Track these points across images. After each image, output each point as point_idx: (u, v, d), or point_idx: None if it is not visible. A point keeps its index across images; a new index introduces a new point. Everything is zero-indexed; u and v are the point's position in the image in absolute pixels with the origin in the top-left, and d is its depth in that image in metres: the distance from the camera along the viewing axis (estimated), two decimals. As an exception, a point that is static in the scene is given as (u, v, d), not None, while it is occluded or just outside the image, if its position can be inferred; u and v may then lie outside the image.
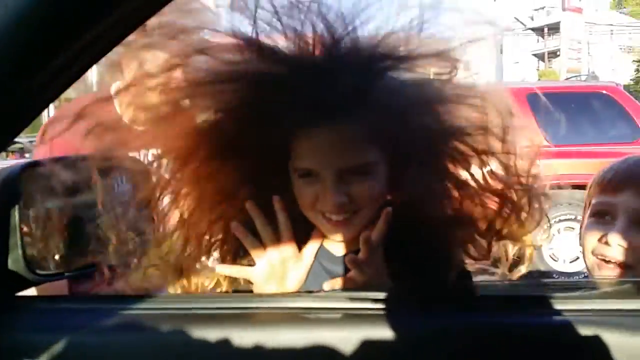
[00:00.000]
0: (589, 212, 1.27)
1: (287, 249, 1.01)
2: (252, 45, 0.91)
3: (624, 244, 1.14)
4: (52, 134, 1.35)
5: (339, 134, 0.94)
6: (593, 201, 1.26)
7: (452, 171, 1.03)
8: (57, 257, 0.95)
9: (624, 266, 1.14)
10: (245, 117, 0.96)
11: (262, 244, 1.00)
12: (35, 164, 0.98)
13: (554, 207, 5.22)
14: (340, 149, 0.95)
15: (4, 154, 6.18)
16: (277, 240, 1.01)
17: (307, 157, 0.96)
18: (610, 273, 1.16)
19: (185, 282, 1.03)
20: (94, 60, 0.72)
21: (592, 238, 1.21)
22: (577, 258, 5.13)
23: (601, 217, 1.22)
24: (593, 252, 1.20)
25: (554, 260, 5.31)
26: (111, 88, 1.50)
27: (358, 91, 0.93)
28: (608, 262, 1.16)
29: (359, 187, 0.95)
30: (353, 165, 0.95)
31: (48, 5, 0.59)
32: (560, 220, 5.25)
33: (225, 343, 0.75)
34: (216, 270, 1.03)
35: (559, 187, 5.03)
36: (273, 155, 0.99)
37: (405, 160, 0.98)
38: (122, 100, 1.37)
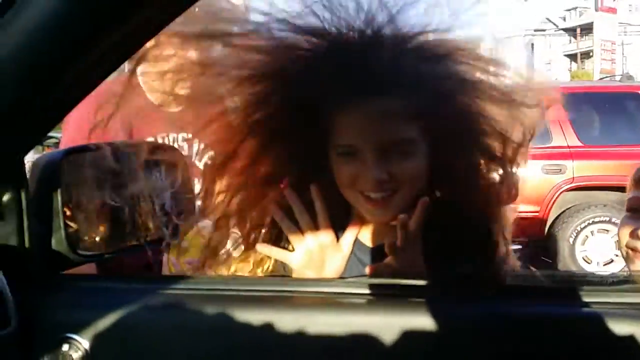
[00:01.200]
0: (625, 208, 1.27)
1: (325, 237, 1.01)
2: (290, 25, 0.93)
3: None
4: (79, 123, 1.38)
5: (379, 109, 0.93)
6: (628, 197, 1.26)
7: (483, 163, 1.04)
8: (97, 238, 0.97)
9: None
10: (285, 99, 0.97)
11: (300, 231, 1.01)
12: (76, 150, 1.00)
13: (587, 209, 5.13)
14: (381, 123, 0.95)
15: (39, 147, 6.33)
16: (315, 227, 1.01)
17: (347, 133, 0.96)
18: None
19: (226, 266, 1.05)
20: (123, 58, 0.75)
21: (625, 231, 1.23)
22: (612, 261, 5.03)
23: (635, 211, 1.23)
24: (626, 245, 1.21)
25: (587, 262, 5.21)
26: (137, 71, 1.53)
27: (396, 67, 0.93)
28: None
29: (399, 164, 0.95)
30: (393, 141, 0.95)
31: (77, 5, 0.62)
32: (594, 222, 5.15)
33: (263, 325, 0.76)
34: (257, 249, 1.03)
35: (594, 188, 4.96)
36: (312, 137, 0.99)
37: (446, 144, 0.98)
38: (150, 84, 1.40)
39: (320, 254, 1.01)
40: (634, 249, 1.19)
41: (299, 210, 1.01)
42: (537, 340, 0.73)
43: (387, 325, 0.75)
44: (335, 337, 0.75)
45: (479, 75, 1.00)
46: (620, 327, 0.71)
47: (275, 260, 1.06)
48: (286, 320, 0.76)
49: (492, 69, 1.00)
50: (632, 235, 1.19)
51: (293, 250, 1.02)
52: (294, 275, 1.02)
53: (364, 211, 1.00)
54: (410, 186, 0.98)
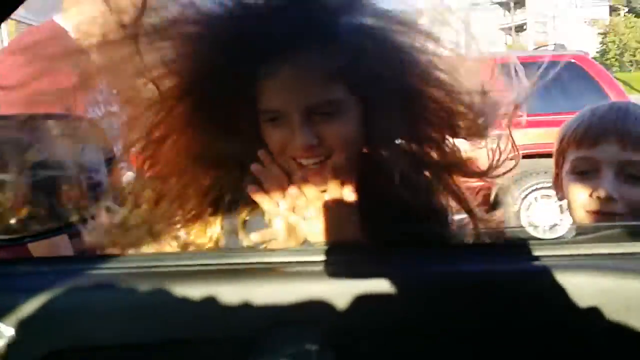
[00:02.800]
0: (567, 168, 1.25)
1: (298, 198, 0.95)
2: None
3: (616, 195, 1.14)
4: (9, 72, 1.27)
5: (302, 71, 0.89)
6: (571, 157, 1.25)
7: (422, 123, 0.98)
8: (13, 221, 0.89)
9: (618, 217, 1.15)
10: (207, 65, 0.91)
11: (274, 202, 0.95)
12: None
13: (530, 176, 5.27)
14: (305, 85, 0.90)
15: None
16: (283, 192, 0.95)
17: (272, 97, 0.91)
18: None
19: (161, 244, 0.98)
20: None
21: (581, 194, 1.20)
22: (555, 225, 5.20)
23: (583, 172, 1.21)
24: (585, 209, 1.19)
25: (533, 227, 5.39)
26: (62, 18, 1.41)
27: (316, 27, 0.89)
28: (603, 214, 1.16)
29: (328, 127, 0.90)
30: (319, 102, 0.90)
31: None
32: (537, 189, 5.31)
33: (201, 299, 0.71)
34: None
35: (535, 156, 5.11)
36: (242, 107, 0.93)
37: (376, 105, 0.93)
38: (80, 32, 1.34)
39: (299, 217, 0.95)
40: (595, 212, 1.18)
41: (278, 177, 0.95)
42: (478, 298, 0.71)
43: (334, 291, 0.71)
44: (279, 307, 0.71)
45: (408, 39, 0.94)
46: (575, 278, 0.70)
47: (224, 231, 1.01)
48: (227, 294, 0.71)
49: (423, 36, 0.95)
50: (592, 196, 1.18)
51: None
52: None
53: (298, 179, 0.95)
54: (343, 149, 0.93)
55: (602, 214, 1.16)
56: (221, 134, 0.95)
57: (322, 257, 0.77)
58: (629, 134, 1.17)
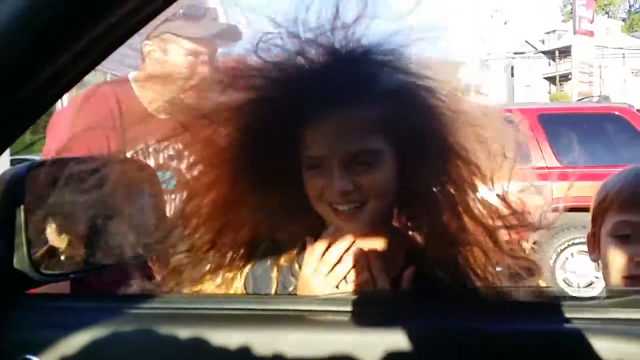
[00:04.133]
0: (607, 229, 1.23)
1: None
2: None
3: None
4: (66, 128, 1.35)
5: (345, 121, 0.95)
6: (613, 220, 1.22)
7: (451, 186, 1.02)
8: (62, 257, 0.94)
9: None
10: (260, 116, 0.98)
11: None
12: (41, 164, 0.97)
13: (567, 230, 5.15)
14: (347, 134, 0.95)
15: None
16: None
17: (315, 145, 0.97)
18: None
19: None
20: (98, 60, 0.72)
21: (620, 258, 1.17)
22: (592, 283, 5.04)
23: (625, 235, 1.19)
24: (623, 273, 1.17)
25: (568, 285, 5.23)
26: (129, 76, 1.52)
27: (362, 82, 0.95)
28: None
29: (365, 175, 0.95)
30: (358, 150, 0.95)
31: (49, 5, 0.60)
32: (573, 244, 5.17)
33: (235, 344, 0.74)
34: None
35: (573, 209, 5.00)
36: (287, 156, 0.99)
37: (412, 157, 0.98)
38: (143, 90, 1.42)
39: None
40: (633, 277, 1.15)
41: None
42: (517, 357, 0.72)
43: (363, 342, 0.73)
44: (306, 357, 0.73)
45: (442, 96, 0.99)
46: (600, 343, 0.70)
47: (246, 279, 1.05)
48: (259, 340, 0.74)
49: (453, 90, 1.01)
50: (632, 262, 1.15)
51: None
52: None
53: (334, 224, 1.00)
54: (378, 198, 0.97)
55: None
56: (265, 183, 1.01)
57: (351, 307, 0.79)
58: None
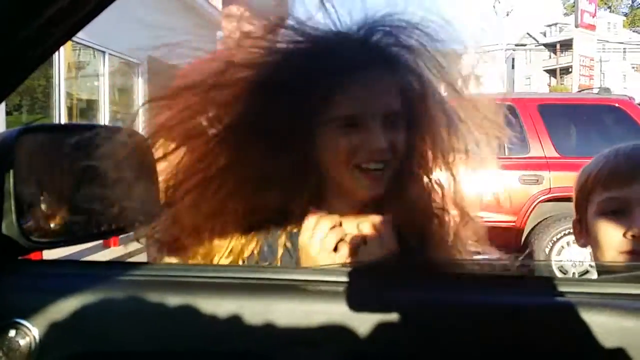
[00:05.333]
0: (593, 210, 1.23)
1: None
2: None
3: None
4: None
5: (378, 81, 1.00)
6: (598, 199, 1.22)
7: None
8: (52, 224, 0.92)
9: None
10: (284, 81, 1.00)
11: None
12: (31, 129, 0.95)
13: (564, 220, 5.16)
14: (383, 93, 1.00)
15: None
16: None
17: (348, 104, 0.98)
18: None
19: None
20: (93, 14, 0.71)
21: (612, 235, 1.17)
22: (587, 272, 5.06)
23: (613, 212, 1.19)
24: (618, 250, 1.16)
25: (563, 273, 5.25)
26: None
27: (386, 53, 1.03)
28: (638, 254, 1.13)
29: (395, 135, 0.99)
30: (392, 110, 0.99)
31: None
32: (570, 233, 5.17)
33: (226, 313, 0.73)
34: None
35: (570, 199, 5.01)
36: (304, 123, 1.00)
37: (411, 124, 1.03)
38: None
39: None
40: (629, 252, 1.14)
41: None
42: (509, 331, 0.71)
43: (355, 313, 0.71)
44: (297, 327, 0.72)
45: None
46: (594, 317, 0.69)
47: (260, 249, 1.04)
48: (250, 309, 0.73)
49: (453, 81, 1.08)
50: (626, 236, 1.14)
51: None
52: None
53: (358, 187, 1.01)
54: (397, 161, 1.01)
55: (638, 253, 1.13)
56: (277, 154, 1.00)
57: (344, 278, 0.78)
58: None
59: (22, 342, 0.73)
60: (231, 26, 1.41)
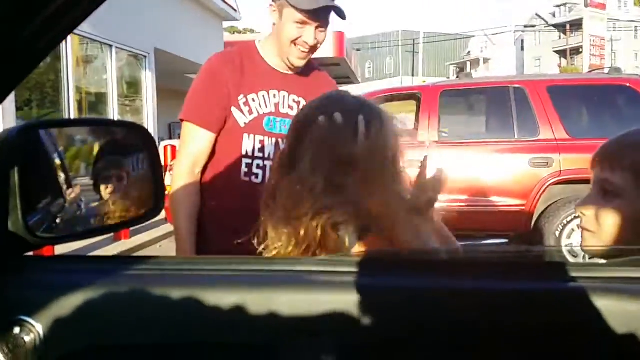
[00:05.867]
0: (592, 188, 1.27)
1: None
2: None
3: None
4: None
5: None
6: (595, 179, 1.26)
7: None
8: (58, 220, 0.93)
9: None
10: None
11: None
12: (36, 125, 0.96)
13: (573, 202, 5.12)
14: None
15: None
16: None
17: None
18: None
19: None
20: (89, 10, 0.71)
21: (606, 217, 1.20)
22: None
23: (607, 193, 1.21)
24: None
25: (573, 256, 5.21)
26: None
27: None
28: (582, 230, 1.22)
29: None
30: None
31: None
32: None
33: (227, 303, 0.73)
34: None
35: (581, 182, 4.95)
36: None
37: None
38: (263, 48, 1.77)
39: None
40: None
41: None
42: (518, 316, 0.71)
43: (356, 303, 0.72)
44: (301, 317, 0.72)
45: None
46: (602, 301, 0.69)
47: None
48: (253, 300, 0.73)
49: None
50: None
51: None
52: None
53: None
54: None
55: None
56: None
57: (349, 268, 0.78)
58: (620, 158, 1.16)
59: (27, 339, 0.73)
60: None
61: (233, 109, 1.67)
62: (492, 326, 0.71)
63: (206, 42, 12.56)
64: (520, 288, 0.73)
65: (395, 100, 6.09)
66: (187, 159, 1.67)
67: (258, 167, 1.69)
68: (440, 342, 0.71)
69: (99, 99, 9.54)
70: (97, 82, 9.53)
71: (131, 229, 5.62)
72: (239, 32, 30.47)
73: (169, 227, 6.17)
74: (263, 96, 1.71)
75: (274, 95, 1.73)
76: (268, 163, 1.68)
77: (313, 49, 1.69)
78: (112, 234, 5.37)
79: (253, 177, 1.68)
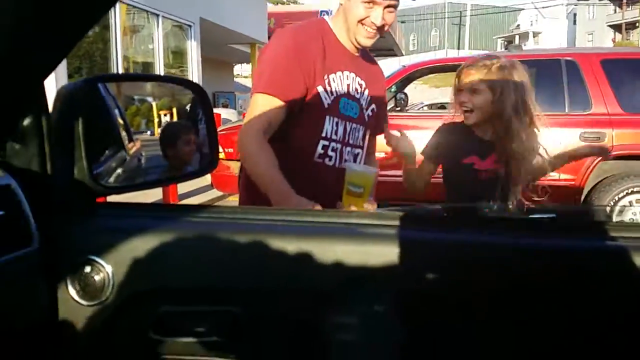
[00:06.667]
0: None
1: None
2: None
3: None
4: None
5: None
6: None
7: None
8: (120, 171, 0.97)
9: None
10: None
11: None
12: (100, 78, 0.99)
13: (627, 178, 4.97)
14: None
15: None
16: None
17: None
18: None
19: None
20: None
21: None
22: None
23: None
24: None
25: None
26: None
27: None
28: None
29: None
30: None
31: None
32: (633, 192, 4.99)
33: (289, 250, 0.75)
34: None
35: (633, 157, 4.78)
36: None
37: None
38: (341, 34, 1.71)
39: None
40: None
41: None
42: (561, 274, 0.71)
43: (407, 254, 0.73)
44: (355, 266, 0.74)
45: None
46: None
47: None
48: (313, 249, 0.75)
49: None
50: None
51: None
52: None
53: None
54: None
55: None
56: None
57: (400, 222, 0.79)
58: None
59: (97, 277, 0.77)
60: None
61: (319, 88, 1.61)
62: (538, 283, 0.71)
63: (250, 13, 12.57)
64: (562, 245, 0.73)
65: (443, 71, 6.00)
66: (259, 122, 1.55)
67: (333, 149, 1.64)
68: (486, 293, 0.72)
69: (146, 68, 9.69)
70: (143, 51, 9.68)
71: (179, 193, 5.74)
72: (282, 3, 30.28)
73: (215, 193, 6.28)
74: (339, 77, 1.68)
75: (347, 77, 1.69)
76: (340, 146, 1.64)
77: (381, 29, 1.63)
78: (161, 198, 5.51)
79: (327, 160, 1.63)
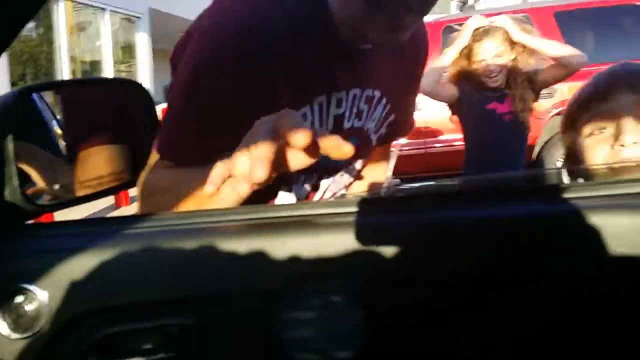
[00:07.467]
0: (582, 136, 1.24)
1: None
2: None
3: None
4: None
5: None
6: (583, 122, 1.23)
7: None
8: (56, 187, 0.91)
9: None
10: None
11: None
12: (29, 89, 0.93)
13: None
14: None
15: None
16: None
17: None
18: None
19: None
20: None
21: (601, 151, 1.18)
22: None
23: (600, 130, 1.19)
24: None
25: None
26: None
27: None
28: None
29: None
30: None
31: None
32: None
33: (240, 251, 0.71)
34: None
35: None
36: None
37: None
38: None
39: None
40: None
41: None
42: (517, 242, 0.69)
43: (364, 243, 0.70)
44: (307, 260, 0.70)
45: None
46: (607, 219, 0.67)
47: None
48: (265, 246, 0.71)
49: None
50: (613, 149, 1.15)
51: None
52: None
53: None
54: None
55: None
56: None
57: (355, 208, 0.76)
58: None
59: (31, 307, 0.71)
60: None
61: None
62: (496, 255, 0.69)
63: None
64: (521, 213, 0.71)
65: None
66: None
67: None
68: (448, 276, 0.70)
69: (94, 67, 9.45)
70: (91, 50, 9.41)
71: (131, 195, 5.62)
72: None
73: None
74: (324, 106, 1.34)
75: (341, 101, 1.27)
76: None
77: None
78: (113, 202, 5.39)
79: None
